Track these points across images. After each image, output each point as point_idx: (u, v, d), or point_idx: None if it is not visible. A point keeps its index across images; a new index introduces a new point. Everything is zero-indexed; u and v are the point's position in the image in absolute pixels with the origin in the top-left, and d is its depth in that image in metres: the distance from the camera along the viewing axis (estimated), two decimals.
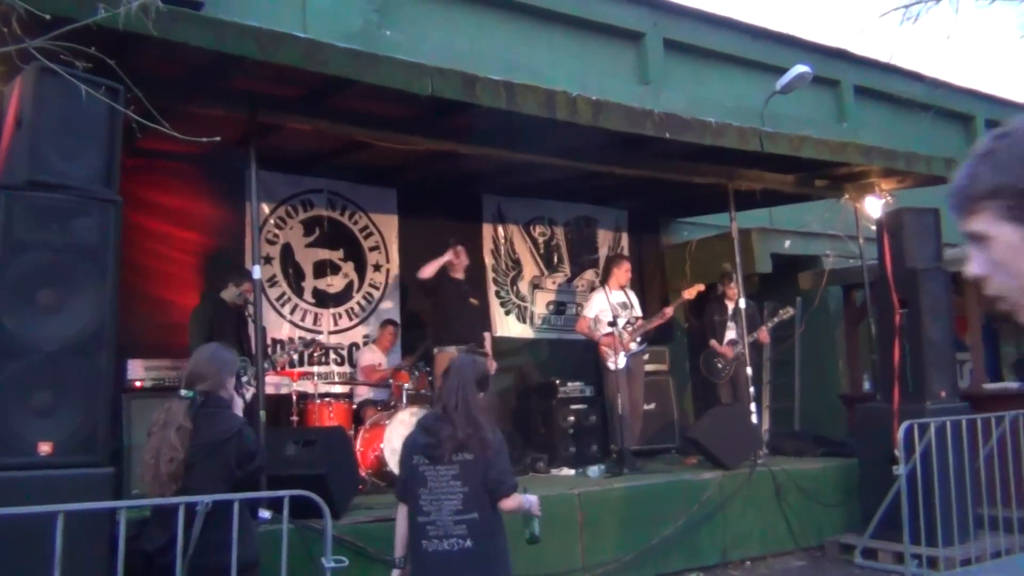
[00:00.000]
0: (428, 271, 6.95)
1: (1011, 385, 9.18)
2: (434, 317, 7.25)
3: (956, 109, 13.94)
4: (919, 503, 5.85)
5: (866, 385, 9.09)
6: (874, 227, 7.36)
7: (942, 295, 6.75)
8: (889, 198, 7.87)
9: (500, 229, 8.74)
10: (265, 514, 4.53)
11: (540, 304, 8.95)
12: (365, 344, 7.68)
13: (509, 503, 3.47)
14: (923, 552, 5.86)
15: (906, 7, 12.97)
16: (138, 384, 6.09)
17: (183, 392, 3.36)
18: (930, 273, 6.70)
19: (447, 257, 6.94)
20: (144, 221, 6.50)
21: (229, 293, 6.28)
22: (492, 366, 6.91)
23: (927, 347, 6.53)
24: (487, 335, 7.33)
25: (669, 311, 7.56)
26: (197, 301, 6.54)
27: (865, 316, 8.18)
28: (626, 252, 9.36)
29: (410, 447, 3.61)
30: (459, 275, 7.11)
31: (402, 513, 3.60)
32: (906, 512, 5.78)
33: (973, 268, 1.16)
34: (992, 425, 6.34)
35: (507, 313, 8.69)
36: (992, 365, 10.51)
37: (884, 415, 6.52)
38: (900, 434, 5.96)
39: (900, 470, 5.92)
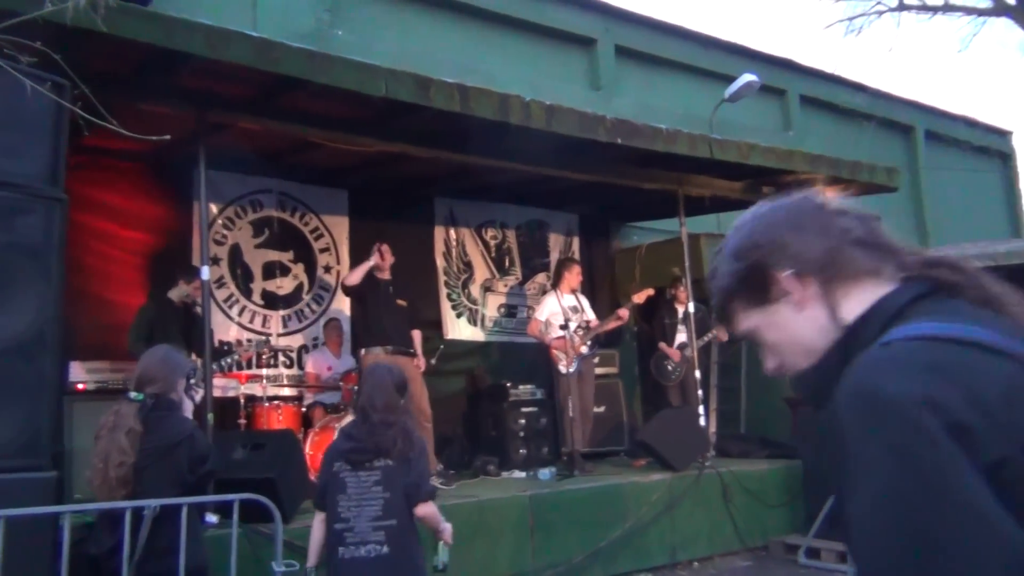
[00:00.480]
0: (355, 278, 6.69)
1: None
2: (361, 320, 7.05)
3: (897, 119, 14.35)
4: None
5: None
6: None
7: None
8: None
9: (452, 232, 8.73)
10: (212, 518, 4.46)
11: (491, 307, 8.96)
12: (315, 347, 7.60)
13: (424, 508, 3.43)
14: None
15: (850, 19, 13.34)
16: (80, 387, 5.94)
17: (132, 394, 3.28)
18: None
19: (373, 260, 6.68)
20: (88, 220, 6.35)
21: (178, 292, 6.16)
22: (421, 363, 6.87)
23: None
24: (416, 333, 7.13)
25: (625, 313, 7.62)
26: (142, 302, 6.41)
27: None
28: (577, 256, 9.41)
29: (332, 454, 3.58)
30: (385, 276, 6.85)
31: (318, 521, 3.55)
32: None
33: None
34: None
35: (458, 316, 8.68)
36: None
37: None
38: None
39: None
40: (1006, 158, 16.51)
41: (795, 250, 1.15)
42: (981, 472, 0.85)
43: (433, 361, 7.14)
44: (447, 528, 3.54)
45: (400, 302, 6.90)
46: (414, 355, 6.61)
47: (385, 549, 3.33)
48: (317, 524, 3.55)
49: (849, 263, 1.12)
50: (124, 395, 3.33)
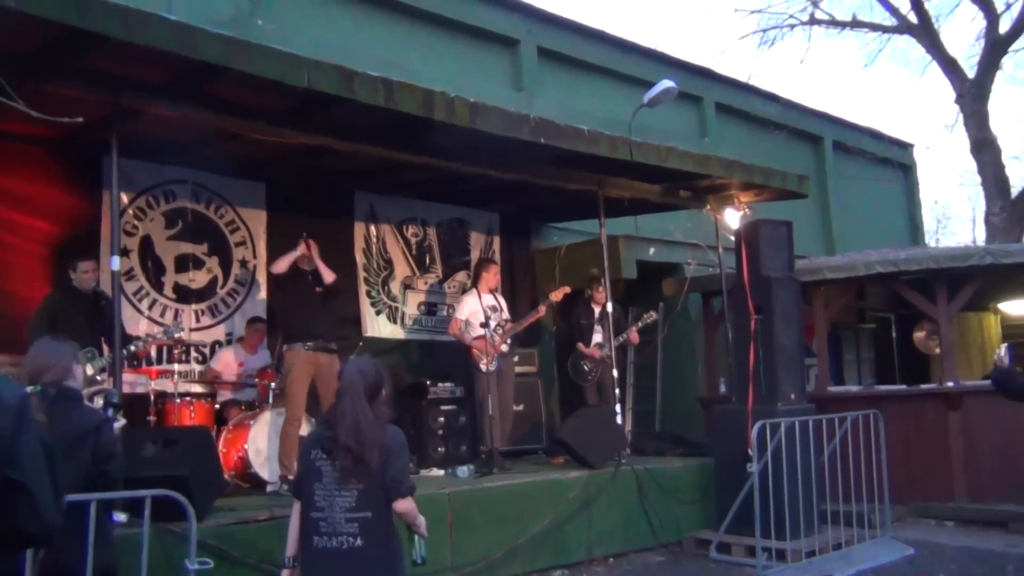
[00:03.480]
0: (281, 265, 6.55)
1: (852, 388, 9.85)
2: (282, 314, 6.88)
3: (807, 129, 14.85)
4: (770, 499, 6.18)
5: (722, 387, 9.53)
6: (732, 237, 7.74)
7: (793, 303, 7.16)
8: (747, 210, 8.29)
9: (372, 228, 8.64)
10: (120, 517, 4.31)
11: (411, 305, 8.90)
12: (229, 343, 7.42)
13: (403, 504, 3.38)
14: (772, 545, 6.21)
15: (763, 31, 13.75)
16: None
17: (28, 388, 3.13)
18: (782, 282, 7.09)
19: (299, 250, 6.54)
20: None
21: (75, 281, 5.94)
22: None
23: (779, 352, 6.91)
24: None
25: (543, 309, 7.69)
26: (46, 293, 6.14)
27: (723, 322, 8.57)
28: (497, 255, 9.45)
29: (310, 441, 3.52)
30: (307, 267, 6.70)
31: (296, 510, 3.48)
32: (757, 508, 6.09)
33: None
34: (836, 425, 6.80)
35: (378, 313, 8.60)
36: (835, 369, 11.23)
37: (739, 416, 6.85)
38: (753, 434, 6.28)
39: (753, 468, 6.23)
40: (907, 169, 17.26)
41: None
42: None
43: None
44: (422, 522, 3.50)
45: (319, 291, 6.71)
46: (335, 351, 6.48)
47: (358, 542, 3.26)
48: (295, 514, 3.47)
49: None
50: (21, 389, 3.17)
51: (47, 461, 1.86)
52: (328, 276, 6.59)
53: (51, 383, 3.15)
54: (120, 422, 3.48)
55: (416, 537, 3.45)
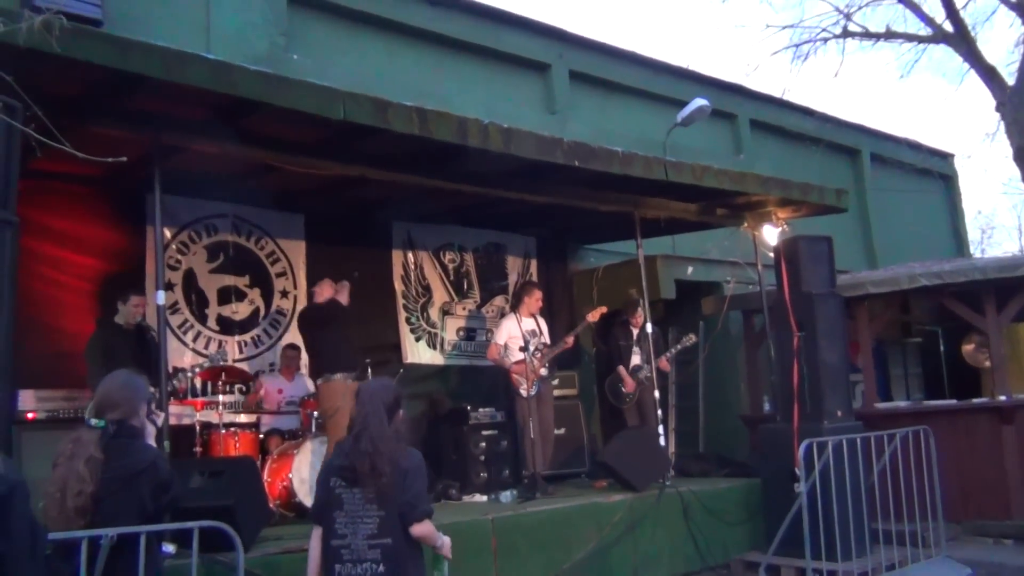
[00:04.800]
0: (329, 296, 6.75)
1: (901, 404, 9.65)
2: (322, 346, 6.78)
3: (844, 143, 14.70)
4: (819, 519, 6.05)
5: (766, 406, 9.41)
6: (771, 254, 7.67)
7: (836, 319, 7.06)
8: (785, 226, 8.22)
9: (410, 255, 8.71)
10: (169, 548, 4.34)
11: (451, 330, 8.94)
12: (272, 371, 7.50)
13: (420, 528, 3.40)
14: (823, 567, 6.07)
15: (796, 46, 13.67)
16: (30, 416, 5.78)
17: (93, 421, 3.17)
18: (824, 298, 7.00)
19: (348, 285, 6.79)
20: (36, 245, 6.23)
21: (121, 315, 6.06)
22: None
23: (823, 369, 6.81)
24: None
25: (571, 340, 7.64)
26: (92, 328, 6.27)
27: (764, 340, 8.47)
28: (535, 278, 9.46)
29: (328, 469, 3.56)
30: (347, 301, 6.83)
31: (316, 536, 3.52)
32: (807, 528, 5.97)
33: None
34: (884, 442, 6.65)
35: (417, 340, 8.64)
36: (882, 385, 11.02)
37: (784, 435, 6.75)
38: (800, 453, 6.17)
39: (800, 488, 6.12)
40: (948, 180, 16.98)
41: None
42: None
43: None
44: (445, 542, 3.53)
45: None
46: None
47: (381, 568, 3.30)
48: (315, 540, 3.50)
49: None
50: (84, 422, 3.22)
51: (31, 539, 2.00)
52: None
53: (115, 420, 3.19)
54: (161, 416, 3.57)
55: (440, 558, 3.48)
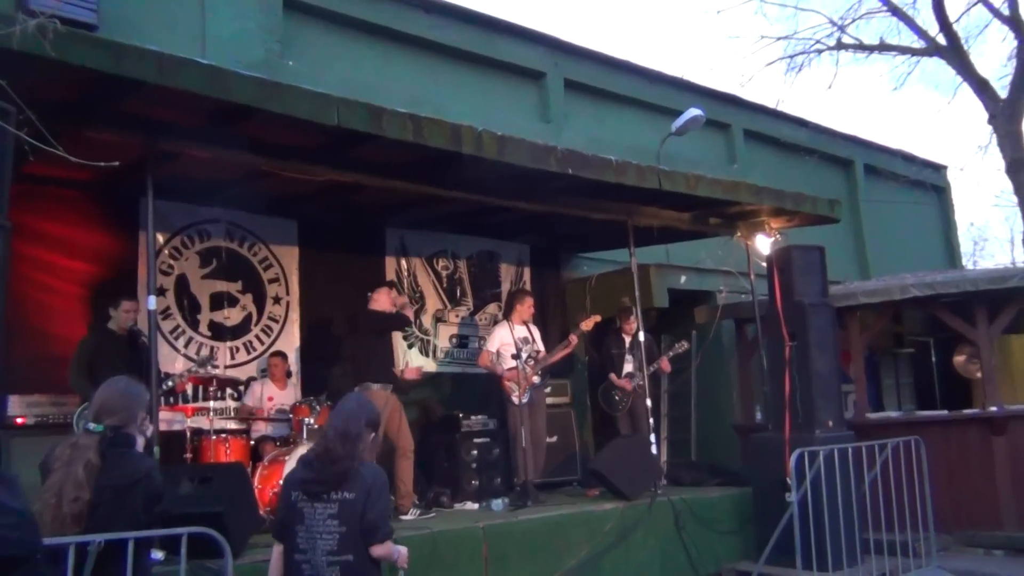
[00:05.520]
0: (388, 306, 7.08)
1: (892, 414, 9.67)
2: (374, 354, 6.87)
3: (837, 154, 14.75)
4: (810, 529, 6.06)
5: (758, 415, 9.41)
6: (764, 264, 7.69)
7: (828, 329, 7.07)
8: (778, 236, 8.24)
9: (403, 262, 8.71)
10: (157, 555, 4.33)
11: (443, 337, 8.93)
12: (263, 378, 7.48)
13: (381, 550, 3.38)
14: None
15: (790, 57, 13.72)
16: (19, 421, 5.76)
17: (91, 426, 3.14)
18: (817, 307, 7.01)
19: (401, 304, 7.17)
20: (28, 250, 6.19)
21: (114, 321, 6.04)
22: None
23: (815, 378, 6.82)
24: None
25: (574, 339, 7.66)
26: (83, 334, 6.25)
27: (756, 349, 8.48)
28: (528, 286, 9.46)
29: (289, 482, 3.52)
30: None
31: (276, 553, 3.49)
32: (798, 538, 5.97)
33: None
34: (876, 452, 6.66)
35: (410, 347, 8.63)
36: (874, 395, 11.04)
37: (776, 444, 6.75)
38: (791, 462, 6.17)
39: (792, 497, 6.12)
40: (941, 191, 17.05)
41: None
42: None
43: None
44: (402, 554, 3.52)
45: None
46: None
47: None
48: (275, 555, 3.48)
49: None
50: (84, 426, 3.19)
51: None
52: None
53: (112, 427, 3.17)
54: (150, 428, 3.58)
55: (398, 569, 3.49)
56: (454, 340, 9.01)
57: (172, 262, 7.23)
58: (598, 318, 7.89)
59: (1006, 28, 12.95)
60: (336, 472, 3.34)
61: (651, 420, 7.74)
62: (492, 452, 7.87)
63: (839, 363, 7.27)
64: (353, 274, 7.55)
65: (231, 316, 7.52)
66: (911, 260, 13.90)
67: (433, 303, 8.90)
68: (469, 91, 9.76)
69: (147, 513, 3.13)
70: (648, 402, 7.76)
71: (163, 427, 5.82)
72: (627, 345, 8.34)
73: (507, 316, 7.85)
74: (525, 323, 7.73)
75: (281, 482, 6.15)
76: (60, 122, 4.31)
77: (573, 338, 7.66)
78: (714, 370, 10.14)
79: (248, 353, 7.59)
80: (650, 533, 6.63)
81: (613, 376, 8.31)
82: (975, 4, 12.85)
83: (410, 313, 7.02)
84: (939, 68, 14.32)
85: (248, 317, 7.64)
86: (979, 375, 8.94)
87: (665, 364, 8.45)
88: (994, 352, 8.53)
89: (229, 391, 7.24)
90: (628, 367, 8.29)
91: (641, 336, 7.87)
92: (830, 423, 6.79)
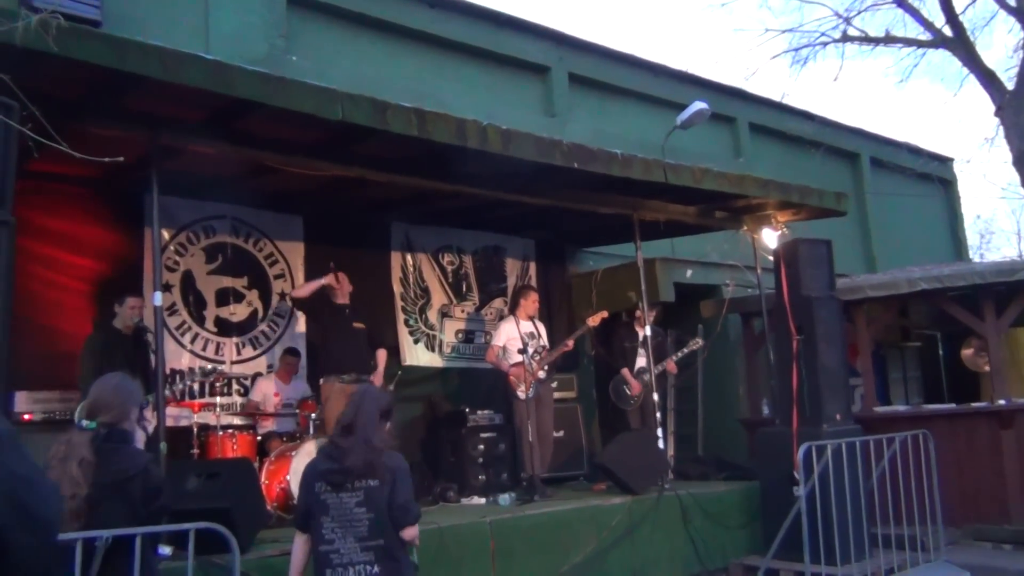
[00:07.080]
0: (303, 291, 7.02)
1: (900, 408, 9.64)
2: (320, 346, 7.17)
3: (843, 147, 14.69)
4: (818, 523, 6.03)
5: (765, 410, 9.39)
6: (771, 257, 7.65)
7: (835, 322, 7.04)
8: (784, 230, 8.20)
9: (409, 257, 8.70)
10: (165, 551, 4.33)
11: (449, 333, 8.92)
12: (269, 374, 7.48)
13: (411, 531, 3.50)
14: (823, 571, 6.04)
15: (795, 50, 13.67)
16: (26, 417, 5.76)
17: (84, 423, 3.14)
18: (824, 301, 6.98)
19: (325, 280, 6.90)
20: (32, 246, 6.21)
21: (119, 319, 6.04)
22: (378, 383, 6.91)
23: (822, 372, 6.79)
24: (381, 352, 7.26)
25: (570, 343, 7.62)
26: (89, 330, 6.26)
27: (763, 343, 8.45)
28: (534, 281, 9.45)
29: (311, 474, 3.55)
30: (343, 301, 7.01)
31: (299, 542, 3.55)
32: (806, 532, 5.95)
33: None
34: (884, 446, 6.63)
35: (416, 342, 8.62)
36: (881, 389, 11.01)
37: (783, 438, 6.73)
38: (799, 456, 6.15)
39: (800, 491, 6.10)
40: (947, 184, 16.97)
41: None
42: None
43: (391, 387, 7.09)
44: (416, 533, 3.62)
45: (358, 325, 6.91)
46: (371, 381, 6.58)
47: (376, 569, 3.36)
48: (298, 546, 3.54)
49: None
50: (76, 424, 3.19)
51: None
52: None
53: (106, 423, 3.17)
54: (152, 423, 3.61)
55: (410, 546, 3.60)
56: (460, 335, 9.00)
57: (178, 258, 7.23)
58: (605, 314, 7.87)
59: (1012, 19, 12.90)
60: (362, 462, 3.40)
61: (658, 414, 7.72)
62: (499, 447, 7.86)
63: (846, 357, 7.24)
64: (359, 269, 7.53)
65: (237, 312, 7.52)
66: (918, 253, 13.85)
67: (439, 298, 8.89)
68: (474, 86, 9.74)
69: (147, 507, 3.12)
70: (655, 397, 7.75)
71: (169, 423, 5.82)
72: (640, 339, 8.30)
73: (513, 311, 7.84)
74: (531, 318, 7.71)
75: (300, 473, 6.19)
76: (64, 118, 4.30)
77: (570, 342, 7.59)
78: (721, 364, 10.12)
79: (254, 349, 7.59)
80: (657, 528, 6.62)
81: (626, 371, 8.29)
82: None
83: (302, 291, 6.99)
84: (945, 60, 14.29)
85: (254, 313, 7.63)
86: (987, 368, 8.91)
87: (671, 366, 8.41)
88: (1002, 345, 8.49)
89: (236, 387, 7.24)
90: (641, 361, 8.25)
91: (648, 330, 7.85)
92: (838, 417, 6.76)
